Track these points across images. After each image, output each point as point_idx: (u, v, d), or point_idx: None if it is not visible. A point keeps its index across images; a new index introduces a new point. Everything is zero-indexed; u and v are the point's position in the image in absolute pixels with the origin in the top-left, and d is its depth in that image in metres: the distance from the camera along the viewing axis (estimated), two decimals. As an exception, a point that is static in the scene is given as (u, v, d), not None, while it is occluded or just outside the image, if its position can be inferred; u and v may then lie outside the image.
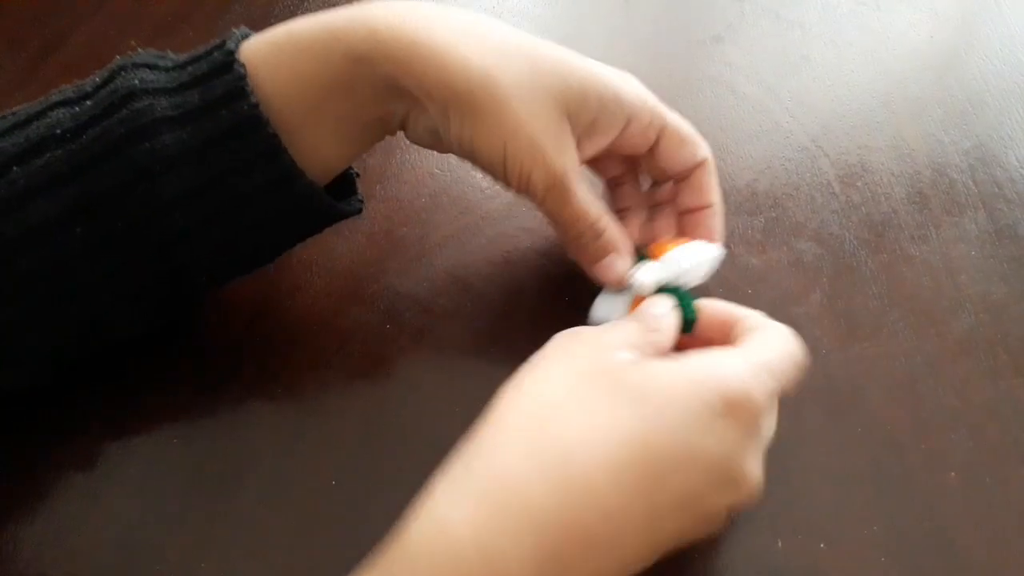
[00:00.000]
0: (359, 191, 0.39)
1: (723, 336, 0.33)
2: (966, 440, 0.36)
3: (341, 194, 0.38)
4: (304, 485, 0.35)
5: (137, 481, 0.36)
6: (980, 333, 0.39)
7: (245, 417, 0.37)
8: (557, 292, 0.40)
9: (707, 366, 0.29)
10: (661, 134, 0.36)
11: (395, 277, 0.41)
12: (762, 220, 0.43)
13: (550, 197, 0.34)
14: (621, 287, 0.36)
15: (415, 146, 0.44)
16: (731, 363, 0.29)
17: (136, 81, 0.32)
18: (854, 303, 0.40)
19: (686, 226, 0.39)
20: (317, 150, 0.34)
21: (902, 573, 0.33)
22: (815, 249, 0.41)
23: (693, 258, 0.36)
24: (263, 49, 0.33)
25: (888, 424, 0.36)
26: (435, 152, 0.45)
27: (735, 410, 0.28)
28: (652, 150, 0.37)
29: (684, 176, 0.38)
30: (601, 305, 0.37)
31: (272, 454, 0.36)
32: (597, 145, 0.36)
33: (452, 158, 0.46)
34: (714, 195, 0.38)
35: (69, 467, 0.36)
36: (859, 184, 0.44)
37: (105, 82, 0.32)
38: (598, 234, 0.35)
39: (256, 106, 0.31)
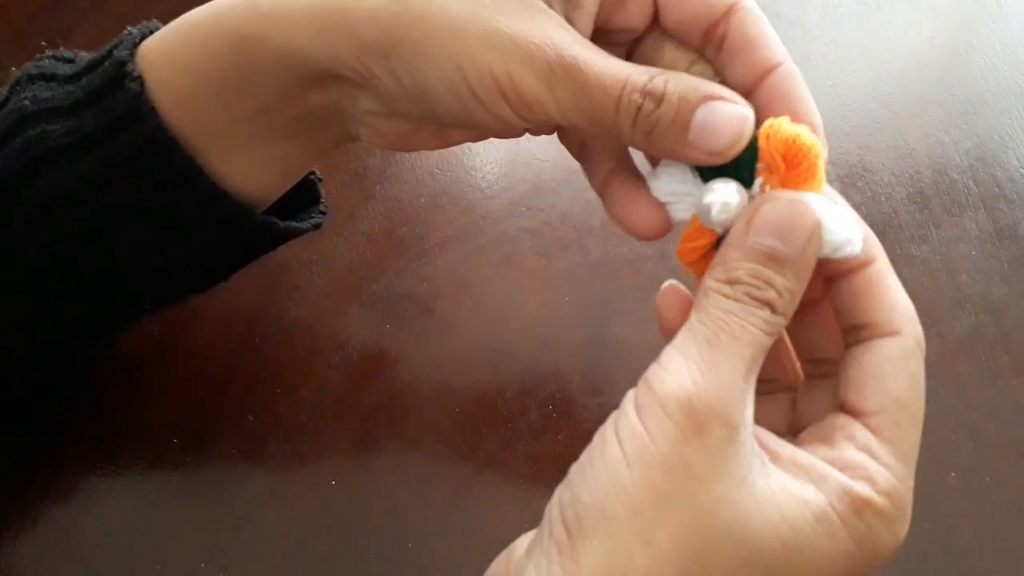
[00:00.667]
0: (323, 200, 0.35)
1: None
2: (966, 440, 0.36)
3: (304, 203, 0.34)
4: (304, 485, 0.35)
5: (136, 482, 0.36)
6: (980, 333, 0.39)
7: (244, 418, 0.37)
8: (557, 292, 0.40)
9: (859, 535, 0.22)
10: None
11: (395, 277, 0.41)
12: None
13: (559, 90, 0.24)
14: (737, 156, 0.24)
15: (415, 146, 0.44)
16: (890, 528, 0.22)
17: (27, 102, 0.28)
18: (854, 303, 0.40)
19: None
20: (238, 159, 0.29)
21: (902, 573, 0.33)
22: (815, 249, 0.41)
23: (834, 215, 0.23)
24: (157, 47, 0.28)
25: (888, 424, 0.36)
26: (435, 152, 0.45)
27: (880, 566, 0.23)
28: (656, 9, 0.27)
29: (715, 38, 0.27)
30: (664, 178, 0.26)
31: (271, 454, 0.36)
32: (588, 10, 0.26)
33: (453, 157, 0.46)
34: (775, 49, 0.26)
35: (68, 468, 0.36)
36: (859, 184, 0.44)
37: (5, 100, 0.29)
38: (658, 94, 0.24)
39: (159, 127, 0.27)
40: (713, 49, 0.27)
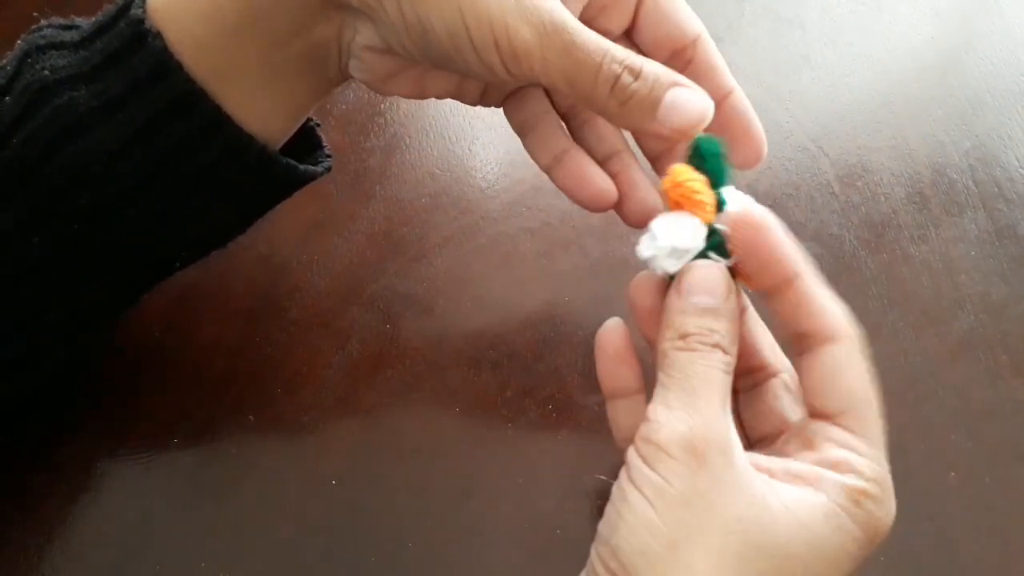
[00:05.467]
0: (325, 145, 0.36)
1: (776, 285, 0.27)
2: (966, 440, 0.36)
3: (306, 151, 0.35)
4: (304, 485, 0.35)
5: (137, 481, 0.36)
6: (980, 333, 0.39)
7: (244, 417, 0.37)
8: (557, 292, 0.40)
9: (862, 522, 0.25)
10: None
11: (395, 277, 0.41)
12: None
13: (548, 47, 0.26)
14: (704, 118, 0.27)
15: (415, 146, 0.44)
16: (882, 511, 0.26)
17: (46, 71, 0.29)
18: (854, 303, 0.40)
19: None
20: (252, 103, 0.30)
21: (902, 573, 0.33)
22: (815, 249, 0.41)
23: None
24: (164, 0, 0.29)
25: (888, 424, 0.36)
26: (435, 152, 0.45)
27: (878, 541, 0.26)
28: (636, 17, 0.31)
29: (682, 59, 0.31)
30: (663, 230, 0.28)
31: (272, 454, 0.36)
32: (575, 4, 0.29)
33: (453, 158, 0.46)
34: (730, 78, 0.31)
35: (69, 468, 0.36)
36: (859, 184, 0.44)
37: (16, 72, 0.30)
38: (636, 69, 0.27)
39: (187, 80, 0.28)
40: (680, 66, 0.30)
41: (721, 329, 0.26)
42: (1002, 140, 0.46)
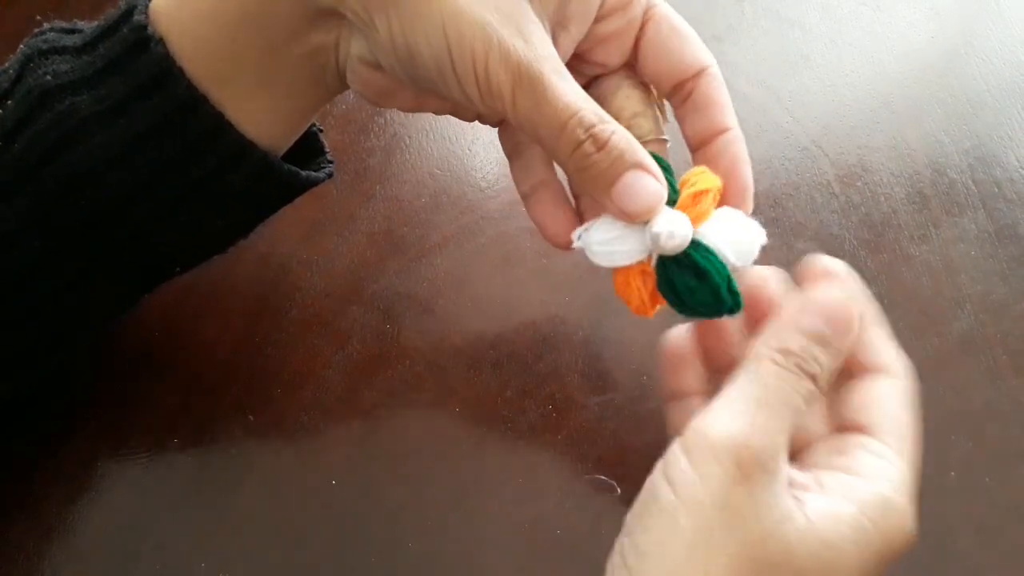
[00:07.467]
0: (327, 150, 0.36)
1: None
2: (966, 440, 0.36)
3: (308, 157, 0.35)
4: (304, 485, 0.35)
5: (137, 481, 0.36)
6: (980, 333, 0.39)
7: (244, 417, 0.37)
8: (557, 292, 0.40)
9: (885, 532, 0.24)
10: (648, 18, 0.30)
11: (395, 277, 0.41)
12: (761, 220, 0.42)
13: (520, 94, 0.26)
14: (644, 221, 0.27)
15: (415, 146, 0.44)
16: (904, 522, 0.25)
17: (48, 76, 0.29)
18: (854, 303, 0.40)
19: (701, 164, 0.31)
20: (252, 110, 0.31)
21: (902, 573, 0.33)
22: (815, 249, 0.41)
23: (737, 227, 0.28)
24: (166, 4, 0.29)
25: (888, 424, 0.36)
26: (435, 152, 0.45)
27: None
28: (636, 51, 0.31)
29: (682, 92, 0.31)
30: (602, 231, 0.28)
31: (272, 454, 0.36)
32: (574, 36, 0.29)
33: (453, 158, 0.46)
34: (730, 115, 0.31)
35: (68, 467, 0.36)
36: (859, 184, 0.44)
37: (18, 76, 0.30)
38: (601, 141, 0.26)
39: (189, 86, 0.29)
40: (679, 99, 0.31)
41: (824, 362, 0.25)
42: (1002, 140, 0.46)
